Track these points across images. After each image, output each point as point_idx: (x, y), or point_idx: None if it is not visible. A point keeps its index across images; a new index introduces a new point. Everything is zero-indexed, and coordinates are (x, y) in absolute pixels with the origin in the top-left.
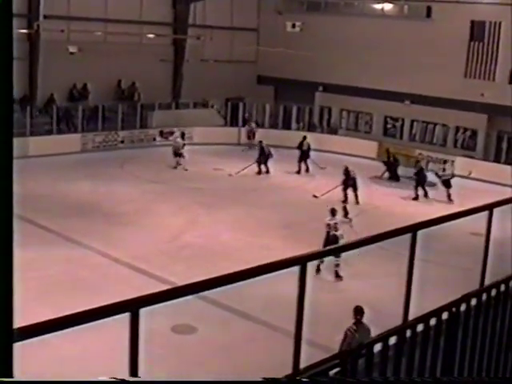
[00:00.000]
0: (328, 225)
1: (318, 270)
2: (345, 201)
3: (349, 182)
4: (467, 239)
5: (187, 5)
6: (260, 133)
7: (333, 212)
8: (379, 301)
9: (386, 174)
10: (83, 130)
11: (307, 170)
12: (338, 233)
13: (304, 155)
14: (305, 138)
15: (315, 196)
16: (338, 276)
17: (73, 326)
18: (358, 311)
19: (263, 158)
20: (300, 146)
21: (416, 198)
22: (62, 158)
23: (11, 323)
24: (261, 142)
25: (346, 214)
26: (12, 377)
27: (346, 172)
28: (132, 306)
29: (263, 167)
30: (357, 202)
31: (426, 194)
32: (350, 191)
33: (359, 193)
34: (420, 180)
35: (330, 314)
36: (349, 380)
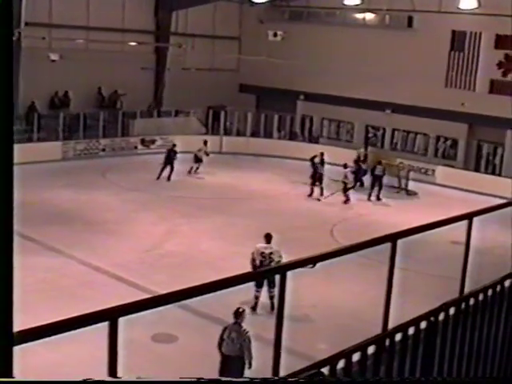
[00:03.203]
0: (262, 253)
1: (254, 307)
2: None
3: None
4: (448, 248)
5: (169, 13)
6: (242, 141)
7: (268, 238)
8: (360, 309)
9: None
10: (64, 138)
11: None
12: (273, 263)
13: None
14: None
15: (319, 199)
16: (273, 308)
17: (50, 335)
18: (238, 314)
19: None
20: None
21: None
22: (42, 165)
23: (11, 327)
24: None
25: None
26: (11, 374)
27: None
28: (110, 315)
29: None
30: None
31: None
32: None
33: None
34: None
35: (310, 322)
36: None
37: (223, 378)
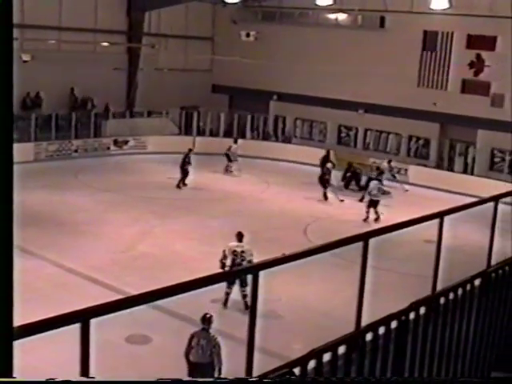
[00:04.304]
0: (234, 251)
1: (225, 303)
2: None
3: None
4: (421, 247)
5: (142, 13)
6: (215, 142)
7: (239, 236)
8: (334, 308)
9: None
10: (36, 139)
11: None
12: (244, 262)
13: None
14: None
15: (342, 200)
16: (247, 307)
17: (19, 338)
18: (205, 320)
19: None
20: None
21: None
22: (14, 167)
23: (11, 322)
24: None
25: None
26: (12, 374)
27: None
28: (82, 317)
29: None
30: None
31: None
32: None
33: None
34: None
35: (284, 322)
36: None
37: (187, 378)
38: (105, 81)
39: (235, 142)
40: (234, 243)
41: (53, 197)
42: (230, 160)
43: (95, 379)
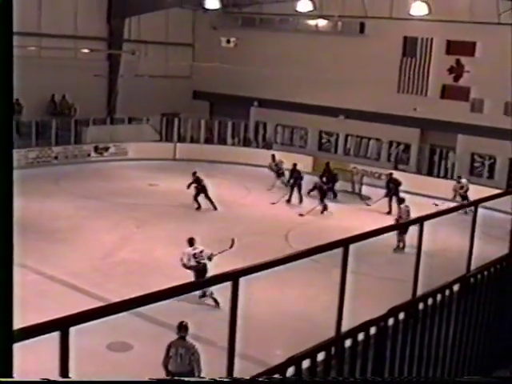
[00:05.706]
0: (194, 255)
1: (215, 301)
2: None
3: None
4: (401, 252)
5: (122, 20)
6: (196, 148)
7: (191, 242)
8: (314, 314)
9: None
10: (16, 146)
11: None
12: (204, 260)
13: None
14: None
15: (301, 215)
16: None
17: None
18: (182, 328)
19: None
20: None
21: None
22: None
23: (11, 325)
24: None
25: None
26: (12, 377)
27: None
28: (61, 325)
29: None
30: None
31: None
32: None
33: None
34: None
35: (264, 328)
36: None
37: (182, 378)
38: (85, 87)
39: (273, 157)
40: (189, 249)
41: (33, 204)
42: (280, 175)
43: (94, 380)
